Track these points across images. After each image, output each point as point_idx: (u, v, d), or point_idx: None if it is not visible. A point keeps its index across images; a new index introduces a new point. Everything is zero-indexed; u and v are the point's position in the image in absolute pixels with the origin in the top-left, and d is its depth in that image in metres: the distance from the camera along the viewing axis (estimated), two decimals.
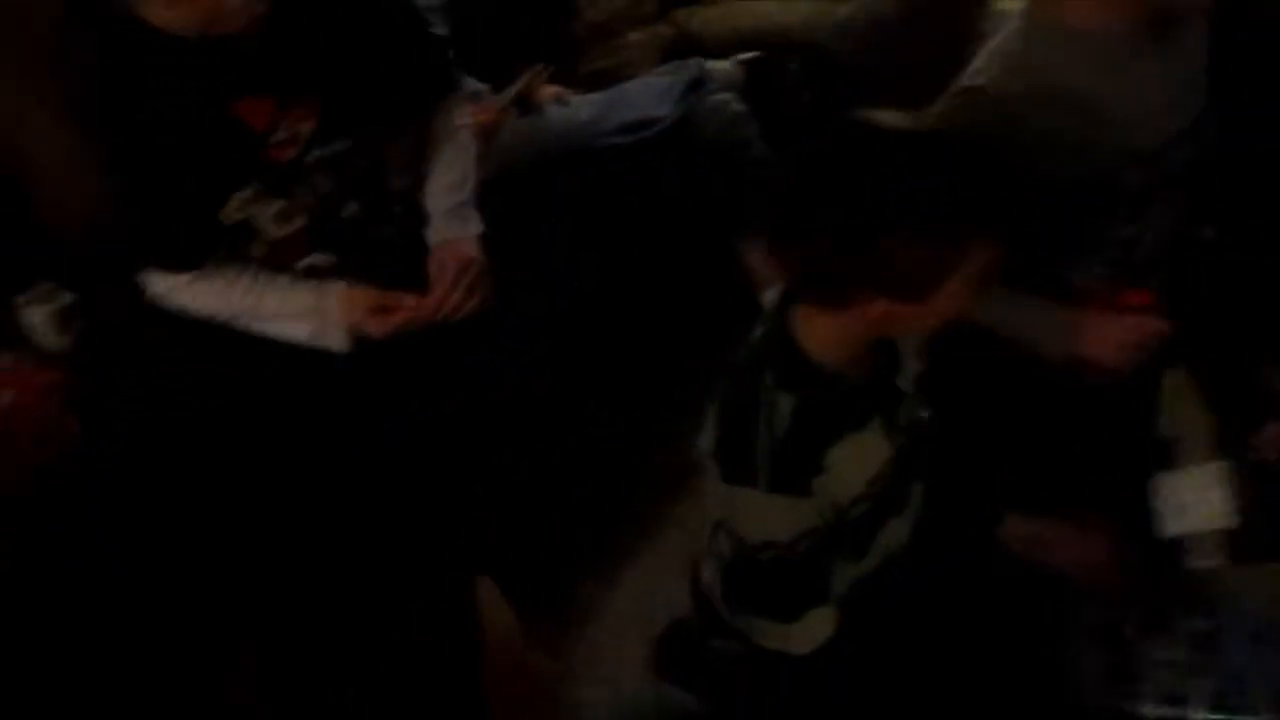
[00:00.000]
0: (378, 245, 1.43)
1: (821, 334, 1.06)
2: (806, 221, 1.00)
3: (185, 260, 1.33)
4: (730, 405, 1.10)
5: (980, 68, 1.33)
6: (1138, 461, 1.35)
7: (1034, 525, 1.28)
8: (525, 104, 1.74)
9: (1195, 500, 1.31)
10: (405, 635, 1.27)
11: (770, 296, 1.14)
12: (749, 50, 2.05)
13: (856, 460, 1.11)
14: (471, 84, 1.76)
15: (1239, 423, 1.34)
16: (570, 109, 1.76)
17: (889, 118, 1.01)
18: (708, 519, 1.27)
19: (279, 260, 1.37)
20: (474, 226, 1.44)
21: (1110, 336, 1.31)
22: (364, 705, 1.27)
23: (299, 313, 1.36)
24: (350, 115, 1.34)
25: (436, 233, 1.42)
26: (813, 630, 1.13)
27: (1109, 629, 1.44)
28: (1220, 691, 1.34)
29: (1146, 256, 1.41)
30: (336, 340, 1.36)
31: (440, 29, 1.70)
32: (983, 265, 1.00)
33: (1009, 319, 1.34)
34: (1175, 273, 1.44)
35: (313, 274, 1.39)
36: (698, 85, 1.83)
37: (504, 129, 1.64)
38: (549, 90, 1.81)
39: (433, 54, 1.46)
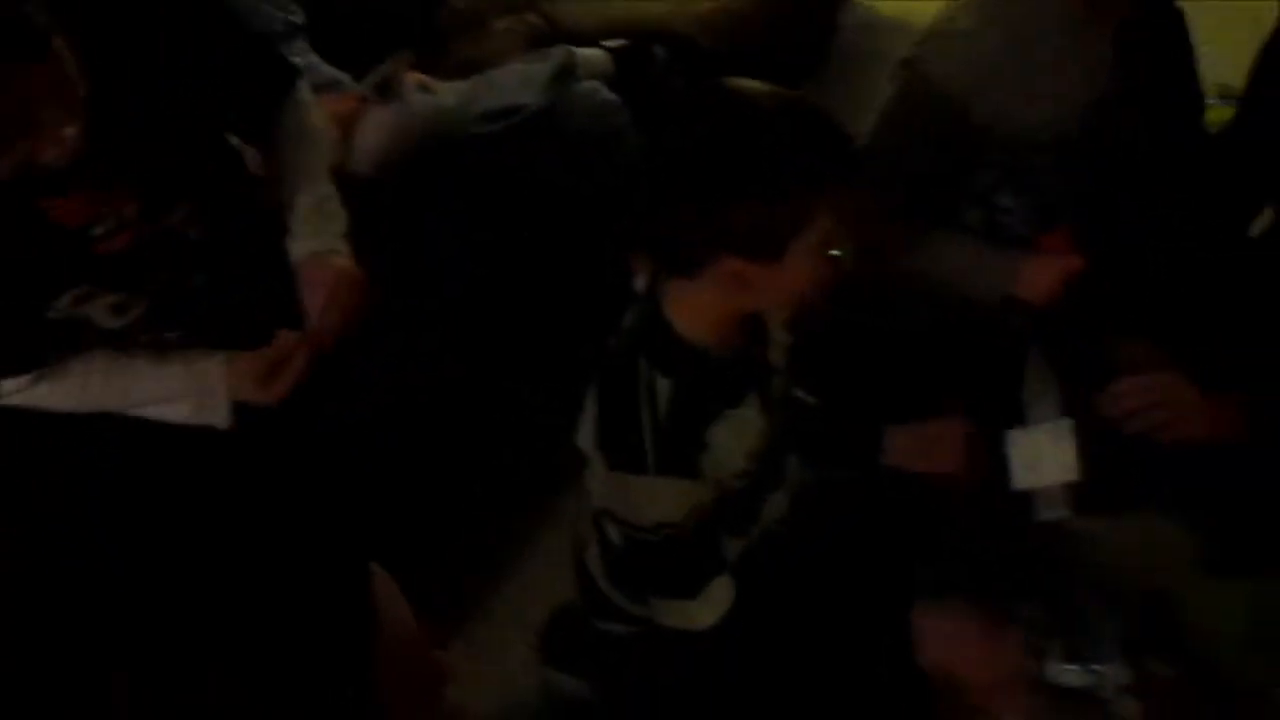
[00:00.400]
0: (232, 309, 1.32)
1: (690, 312, 1.08)
2: (658, 188, 1.02)
3: (16, 364, 1.20)
4: (609, 394, 1.11)
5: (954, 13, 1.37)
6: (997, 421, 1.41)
7: (913, 432, 1.35)
8: (387, 92, 1.70)
9: (1043, 456, 1.37)
10: (299, 630, 1.23)
11: (640, 282, 1.15)
12: (616, 39, 2.06)
13: (736, 436, 1.13)
14: (331, 72, 1.71)
15: (1084, 386, 1.41)
16: (435, 97, 1.73)
17: (749, 85, 1.02)
18: (586, 508, 1.28)
19: (118, 345, 1.26)
20: (337, 228, 1.32)
21: (1042, 278, 1.38)
22: (255, 701, 1.22)
23: (173, 395, 1.24)
24: (181, 176, 1.21)
25: (298, 247, 1.30)
26: (715, 601, 1.15)
27: (978, 586, 1.51)
28: (1074, 644, 1.42)
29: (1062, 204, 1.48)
30: (220, 418, 1.25)
31: (295, 15, 1.66)
32: (828, 229, 1.02)
33: (945, 261, 1.41)
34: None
35: (162, 347, 1.28)
36: (566, 73, 1.83)
37: (365, 118, 1.60)
38: (413, 78, 1.78)
39: (254, 59, 1.33)
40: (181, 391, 1.24)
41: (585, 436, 1.14)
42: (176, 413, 1.25)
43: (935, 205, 1.44)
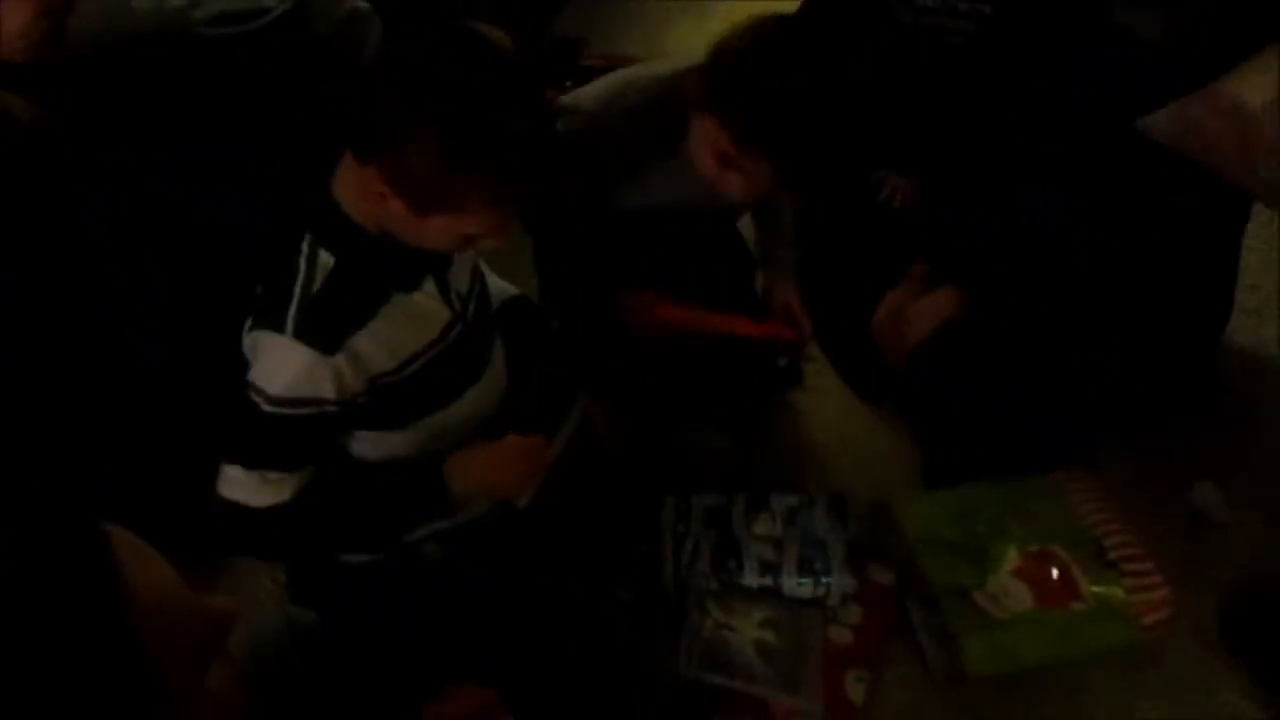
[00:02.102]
0: None
1: (354, 195, 1.07)
2: (370, 89, 1.01)
3: None
4: (268, 263, 1.09)
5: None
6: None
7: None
8: None
9: None
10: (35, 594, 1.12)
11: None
12: None
13: (404, 321, 1.12)
14: None
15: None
16: None
17: (494, 35, 1.02)
18: None
19: None
20: None
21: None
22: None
23: None
24: None
25: None
26: (275, 489, 1.11)
27: (719, 511, 1.60)
28: (804, 557, 1.54)
29: None
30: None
31: None
32: (483, 231, 1.06)
33: None
34: None
35: None
36: None
37: (77, 9, 1.42)
38: None
39: None
40: None
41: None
42: None
43: None
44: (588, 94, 1.46)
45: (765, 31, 1.28)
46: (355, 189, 1.07)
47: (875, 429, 1.85)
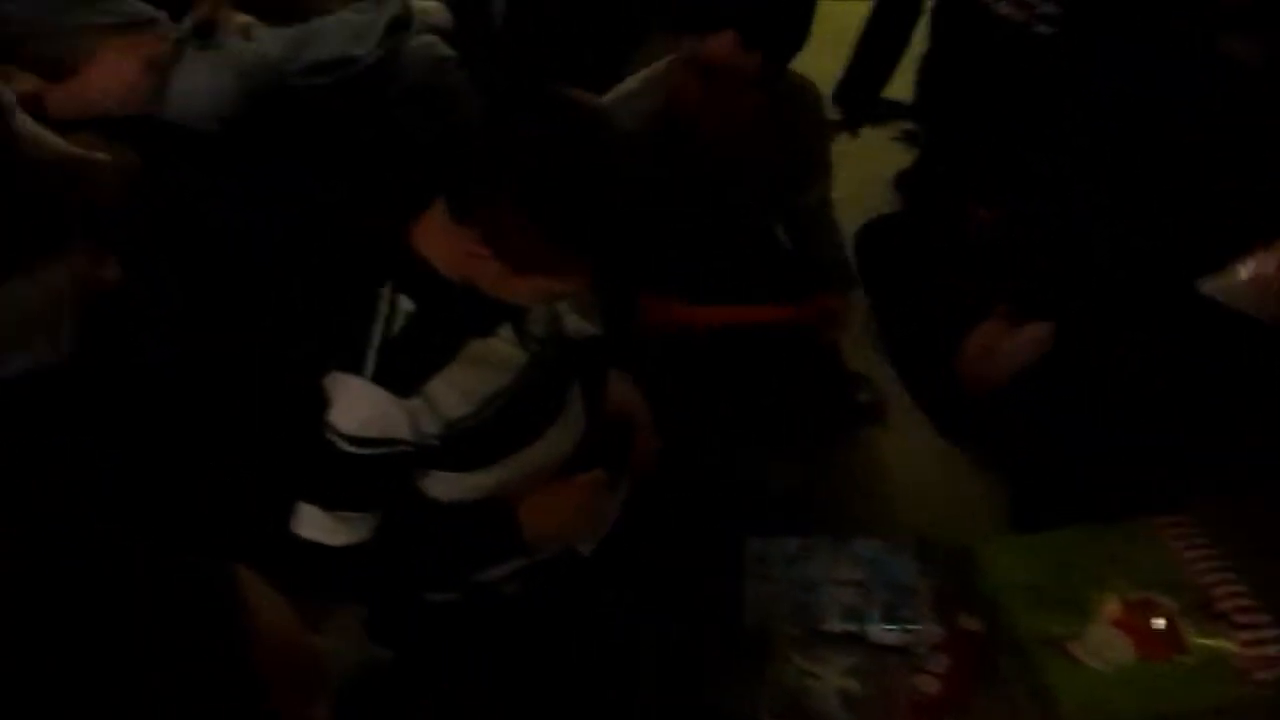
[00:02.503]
0: None
1: (440, 247, 1.09)
2: (472, 155, 1.04)
3: None
4: (344, 309, 1.11)
5: None
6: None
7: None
8: (207, 34, 1.58)
9: None
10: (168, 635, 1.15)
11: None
12: None
13: (480, 366, 1.14)
14: (146, 9, 1.58)
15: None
16: (258, 44, 1.63)
17: (589, 102, 1.06)
18: None
19: None
20: None
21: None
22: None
23: None
24: None
25: None
26: (351, 528, 1.12)
27: (801, 553, 1.57)
28: (890, 603, 1.50)
29: None
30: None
31: None
32: (573, 288, 1.10)
33: None
34: None
35: None
36: (401, 25, 1.75)
37: (180, 62, 1.49)
38: (236, 20, 1.66)
39: None
40: None
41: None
42: None
43: None
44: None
45: None
46: (445, 243, 1.08)
47: (959, 469, 1.81)
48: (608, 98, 1.51)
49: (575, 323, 1.40)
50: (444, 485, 1.21)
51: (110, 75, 1.42)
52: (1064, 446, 1.62)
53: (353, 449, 1.08)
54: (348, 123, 1.65)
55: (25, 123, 1.30)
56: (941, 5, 1.96)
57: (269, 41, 1.63)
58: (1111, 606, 1.43)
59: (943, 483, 1.79)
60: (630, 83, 1.51)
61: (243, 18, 1.68)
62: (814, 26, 1.46)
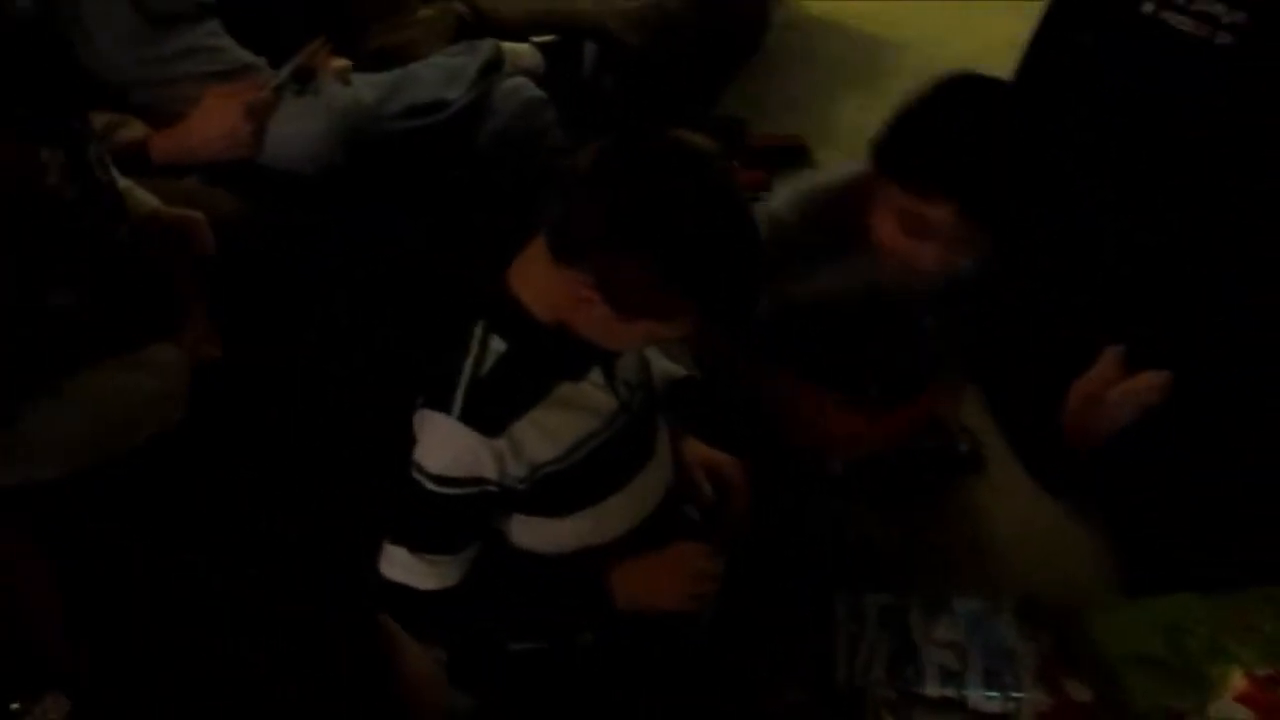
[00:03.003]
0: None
1: (537, 290, 1.08)
2: (575, 195, 1.03)
3: None
4: (439, 347, 1.11)
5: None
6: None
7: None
8: (305, 81, 1.61)
9: None
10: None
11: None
12: (540, 32, 2.00)
13: (569, 410, 1.12)
14: (244, 56, 1.62)
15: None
16: (354, 89, 1.65)
17: (700, 143, 1.04)
18: None
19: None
20: None
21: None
22: None
23: None
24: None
25: None
26: (441, 572, 1.12)
27: (895, 612, 1.51)
28: (992, 668, 1.43)
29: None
30: None
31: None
32: (681, 332, 1.07)
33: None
34: None
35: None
36: (493, 68, 1.76)
37: (280, 108, 1.52)
38: (333, 65, 1.69)
39: None
40: None
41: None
42: None
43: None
44: (780, 202, 1.46)
45: (940, 83, 1.28)
46: (546, 285, 1.07)
47: (1064, 526, 1.72)
48: (780, 197, 1.48)
49: (662, 364, 1.38)
50: (528, 532, 1.19)
51: (213, 122, 1.45)
52: (1180, 505, 1.53)
53: (438, 489, 1.08)
54: (440, 165, 1.66)
55: (122, 184, 1.32)
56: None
57: (365, 87, 1.65)
58: (1236, 680, 1.34)
59: (1045, 539, 1.70)
60: (806, 189, 1.47)
61: (340, 63, 1.71)
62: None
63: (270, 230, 1.48)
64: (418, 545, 1.11)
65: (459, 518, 1.11)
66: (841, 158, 2.62)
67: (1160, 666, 1.39)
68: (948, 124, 1.27)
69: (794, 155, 2.63)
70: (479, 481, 1.09)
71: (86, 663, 1.21)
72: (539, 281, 1.08)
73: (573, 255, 1.03)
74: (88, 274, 1.15)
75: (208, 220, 1.36)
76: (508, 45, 1.85)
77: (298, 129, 1.55)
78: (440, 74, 1.71)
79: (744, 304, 1.07)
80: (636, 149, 1.04)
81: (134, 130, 1.52)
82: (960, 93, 1.29)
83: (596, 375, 1.16)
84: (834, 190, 1.42)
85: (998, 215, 1.31)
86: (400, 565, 1.11)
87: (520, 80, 1.81)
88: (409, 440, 1.12)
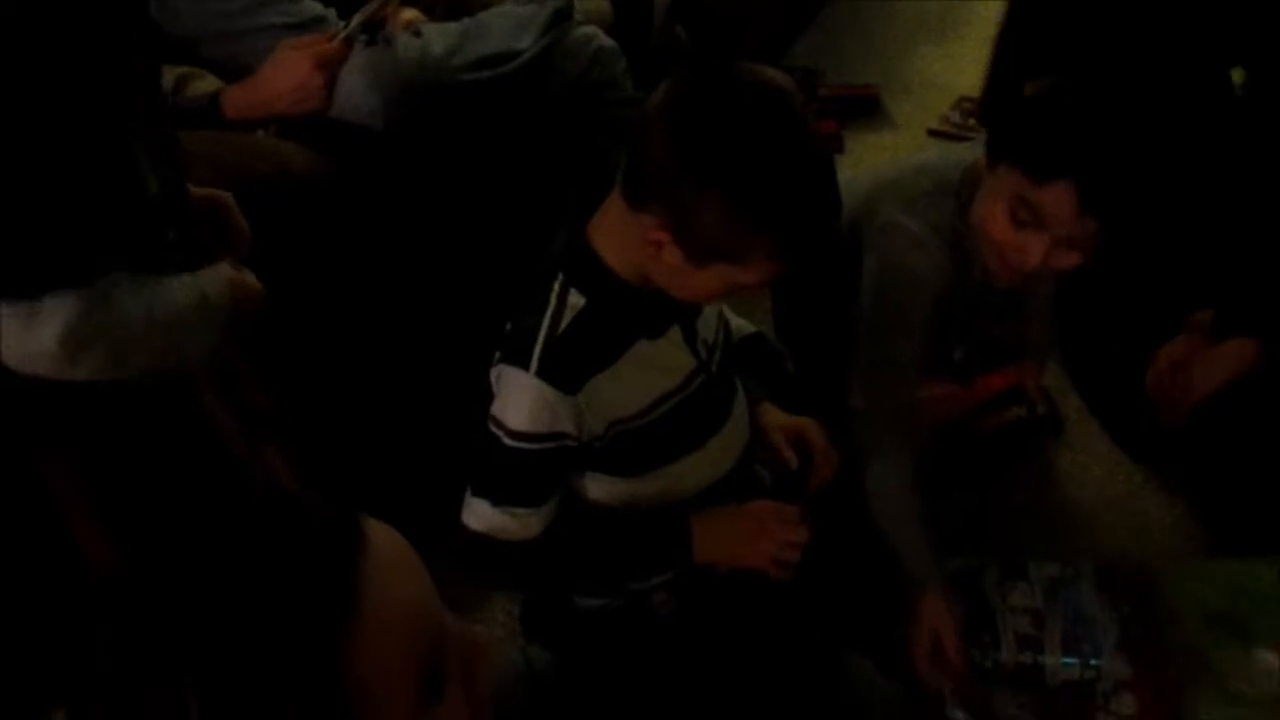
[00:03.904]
0: None
1: (613, 240, 1.07)
2: (645, 132, 1.01)
3: None
4: (522, 301, 1.10)
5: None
6: None
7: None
8: (375, 33, 1.59)
9: None
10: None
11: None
12: None
13: (648, 368, 1.12)
14: (315, 8, 1.60)
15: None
16: (424, 40, 1.62)
17: (778, 79, 1.00)
18: None
19: None
20: None
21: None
22: None
23: None
24: None
25: None
26: (521, 523, 1.12)
27: (970, 576, 1.49)
28: (1070, 635, 1.40)
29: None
30: None
31: None
32: (757, 278, 1.04)
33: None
34: None
35: None
36: (562, 17, 1.72)
37: (351, 60, 1.50)
38: (404, 16, 1.66)
39: None
40: None
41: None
42: None
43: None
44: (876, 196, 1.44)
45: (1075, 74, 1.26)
46: (621, 234, 1.06)
47: (1145, 491, 1.68)
48: (873, 177, 1.46)
49: (734, 321, 1.36)
50: (603, 490, 1.19)
51: (284, 75, 1.43)
52: (1263, 474, 1.48)
53: (516, 444, 1.08)
54: (510, 117, 1.64)
55: None
56: None
57: (435, 37, 1.62)
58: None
59: (1126, 506, 1.66)
60: (911, 173, 1.44)
61: (410, 13, 1.69)
62: None
63: (344, 185, 1.47)
64: (500, 499, 1.11)
65: (539, 472, 1.11)
66: (915, 109, 2.60)
67: (1210, 616, 1.38)
68: (1077, 107, 1.22)
69: (866, 105, 2.57)
70: (558, 436, 1.08)
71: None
72: (615, 233, 1.06)
73: (644, 196, 1.01)
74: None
75: (286, 174, 1.35)
76: None
77: (368, 81, 1.54)
78: (510, 23, 1.67)
79: (817, 241, 1.04)
80: (707, 81, 1.00)
81: (206, 84, 1.51)
82: (1095, 80, 1.26)
83: (675, 334, 1.14)
84: (945, 186, 1.39)
85: (1117, 206, 1.25)
86: (482, 517, 1.12)
87: (590, 29, 1.76)
88: (487, 395, 1.11)
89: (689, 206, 0.98)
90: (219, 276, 1.13)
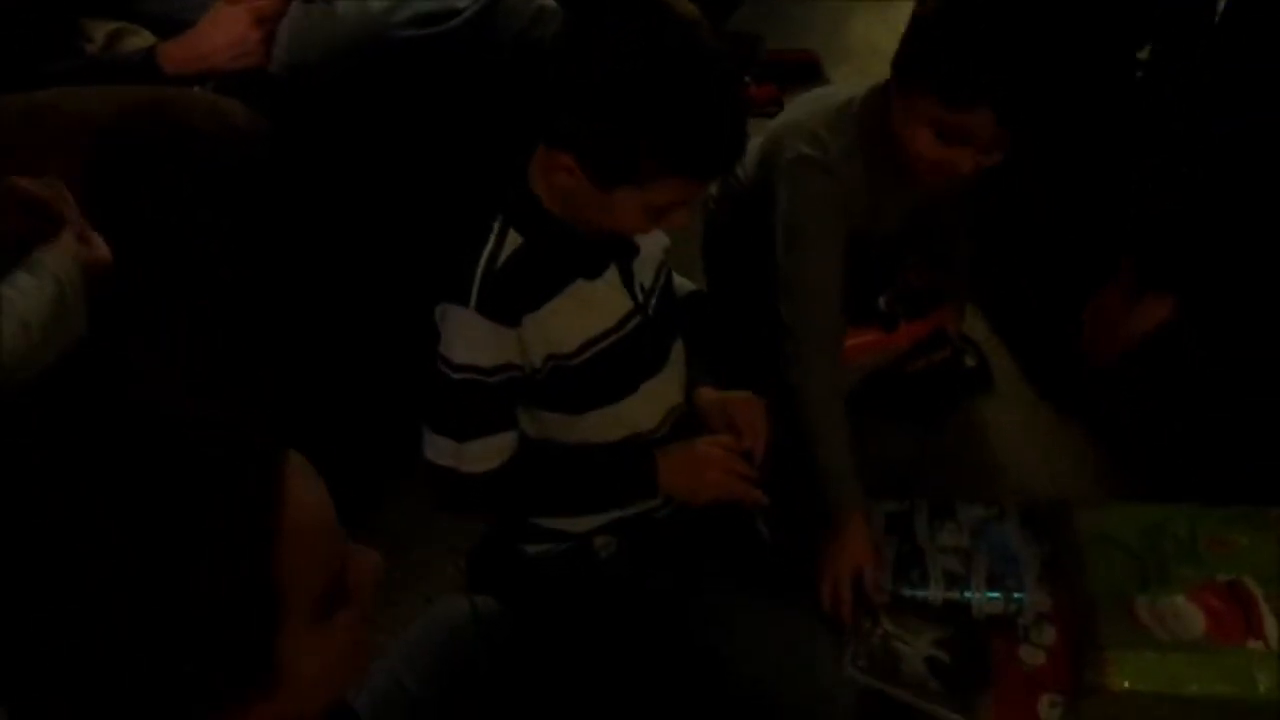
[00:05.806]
0: None
1: (543, 178, 1.10)
2: (551, 68, 1.02)
3: None
4: (461, 241, 1.12)
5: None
6: None
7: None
8: None
9: None
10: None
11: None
12: None
13: (584, 307, 1.14)
14: None
15: None
16: None
17: (682, 6, 1.01)
18: None
19: None
20: None
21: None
22: None
23: None
24: None
25: None
26: (488, 452, 1.15)
27: (900, 518, 1.54)
28: (995, 571, 1.46)
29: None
30: None
31: None
32: (669, 201, 1.05)
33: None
34: None
35: None
36: None
37: (288, 17, 1.50)
38: None
39: None
40: None
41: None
42: None
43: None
44: (803, 122, 1.47)
45: None
46: (546, 172, 1.08)
47: (1066, 438, 1.74)
48: (782, 120, 1.50)
49: (681, 282, 1.39)
50: (554, 429, 1.22)
51: (222, 30, 1.43)
52: (1181, 423, 1.55)
53: (461, 376, 1.11)
54: (450, 73, 1.64)
55: None
56: None
57: None
58: (1193, 581, 1.37)
59: (1048, 453, 1.73)
60: (805, 115, 1.49)
61: None
62: None
63: (284, 141, 1.47)
64: (453, 431, 1.14)
65: (486, 403, 1.13)
66: (854, 74, 2.63)
67: (1127, 555, 1.41)
68: (982, 32, 1.27)
69: (807, 70, 2.61)
70: (502, 369, 1.11)
71: None
72: (542, 172, 1.09)
73: (552, 128, 1.04)
74: None
75: (226, 128, 1.35)
76: None
77: (305, 38, 1.53)
78: None
79: (712, 157, 1.05)
80: (590, 10, 1.02)
81: (141, 39, 1.50)
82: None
83: (613, 275, 1.17)
84: (860, 108, 1.43)
85: (1033, 118, 1.33)
86: (441, 451, 1.14)
87: None
88: (436, 337, 1.13)
89: (582, 132, 1.01)
90: (64, 257, 1.08)
